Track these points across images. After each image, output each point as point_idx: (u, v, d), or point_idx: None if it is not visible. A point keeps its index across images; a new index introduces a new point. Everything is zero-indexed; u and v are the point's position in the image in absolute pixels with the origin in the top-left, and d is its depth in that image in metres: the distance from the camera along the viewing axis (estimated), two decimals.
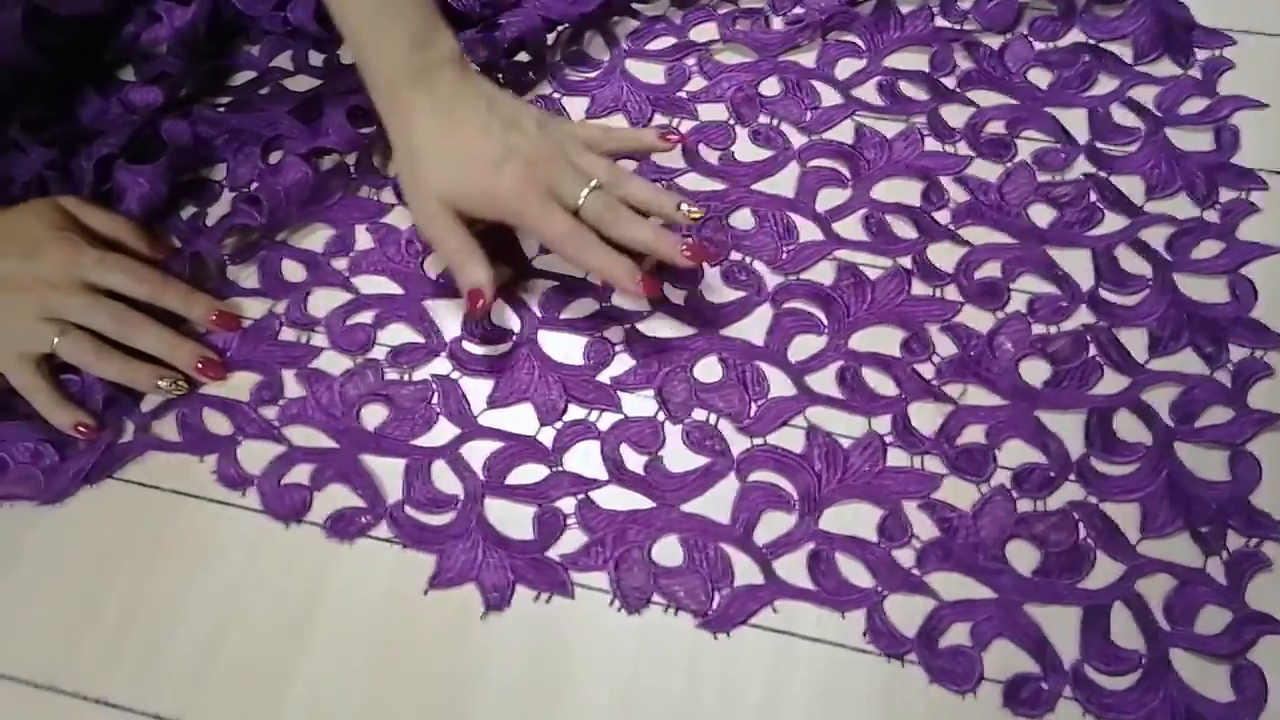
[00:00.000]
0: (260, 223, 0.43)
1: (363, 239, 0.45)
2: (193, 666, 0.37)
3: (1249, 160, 0.45)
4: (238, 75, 0.50)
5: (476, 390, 0.41)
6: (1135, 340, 0.41)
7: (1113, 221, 0.44)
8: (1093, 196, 0.44)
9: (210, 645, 0.37)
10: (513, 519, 0.39)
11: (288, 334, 0.43)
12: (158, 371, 0.41)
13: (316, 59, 0.50)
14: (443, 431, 0.41)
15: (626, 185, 0.41)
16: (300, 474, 0.40)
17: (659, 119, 0.48)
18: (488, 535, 0.38)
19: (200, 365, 0.41)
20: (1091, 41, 0.49)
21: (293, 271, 0.45)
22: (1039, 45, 0.49)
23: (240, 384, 0.42)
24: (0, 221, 0.41)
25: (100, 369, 0.40)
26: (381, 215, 0.46)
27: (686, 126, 0.47)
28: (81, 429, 0.40)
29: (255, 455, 0.40)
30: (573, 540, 0.38)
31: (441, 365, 0.42)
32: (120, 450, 0.41)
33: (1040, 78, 0.48)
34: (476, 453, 0.40)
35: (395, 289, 0.44)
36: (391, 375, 0.42)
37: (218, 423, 0.41)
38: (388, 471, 0.40)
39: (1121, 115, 0.47)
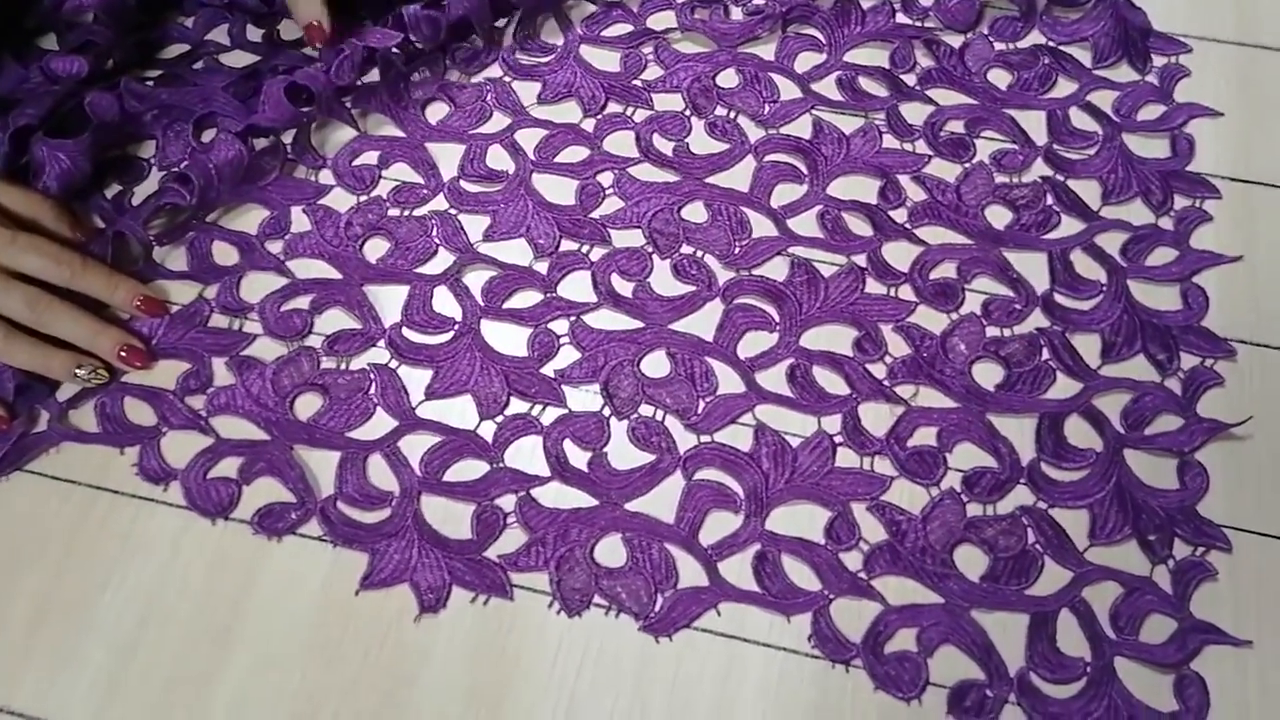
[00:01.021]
0: (190, 202, 0.41)
1: (299, 221, 0.43)
2: (106, 674, 0.35)
3: (1204, 167, 0.45)
4: (170, 48, 0.48)
5: (415, 380, 0.40)
6: (1088, 345, 0.41)
7: (1069, 225, 0.43)
8: (1049, 200, 0.44)
9: (126, 651, 0.35)
10: (450, 517, 0.37)
11: (218, 320, 0.41)
12: (75, 359, 0.39)
13: (255, 34, 0.48)
14: (380, 424, 0.39)
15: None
16: (228, 467, 0.38)
17: (613, 106, 0.46)
18: (424, 534, 0.37)
19: (123, 353, 0.39)
20: (1052, 44, 0.49)
21: (224, 254, 0.43)
22: (999, 45, 0.49)
23: (166, 372, 0.40)
24: None
25: (9, 356, 0.38)
26: (319, 196, 0.44)
27: (641, 116, 0.46)
28: None
29: (180, 447, 0.38)
30: (513, 539, 0.37)
31: (380, 354, 0.40)
32: (33, 441, 0.38)
33: (1000, 78, 0.48)
34: (414, 447, 0.38)
35: (333, 273, 0.42)
36: (328, 363, 0.40)
37: (140, 413, 0.39)
38: (320, 465, 0.38)
39: (1080, 119, 0.46)
